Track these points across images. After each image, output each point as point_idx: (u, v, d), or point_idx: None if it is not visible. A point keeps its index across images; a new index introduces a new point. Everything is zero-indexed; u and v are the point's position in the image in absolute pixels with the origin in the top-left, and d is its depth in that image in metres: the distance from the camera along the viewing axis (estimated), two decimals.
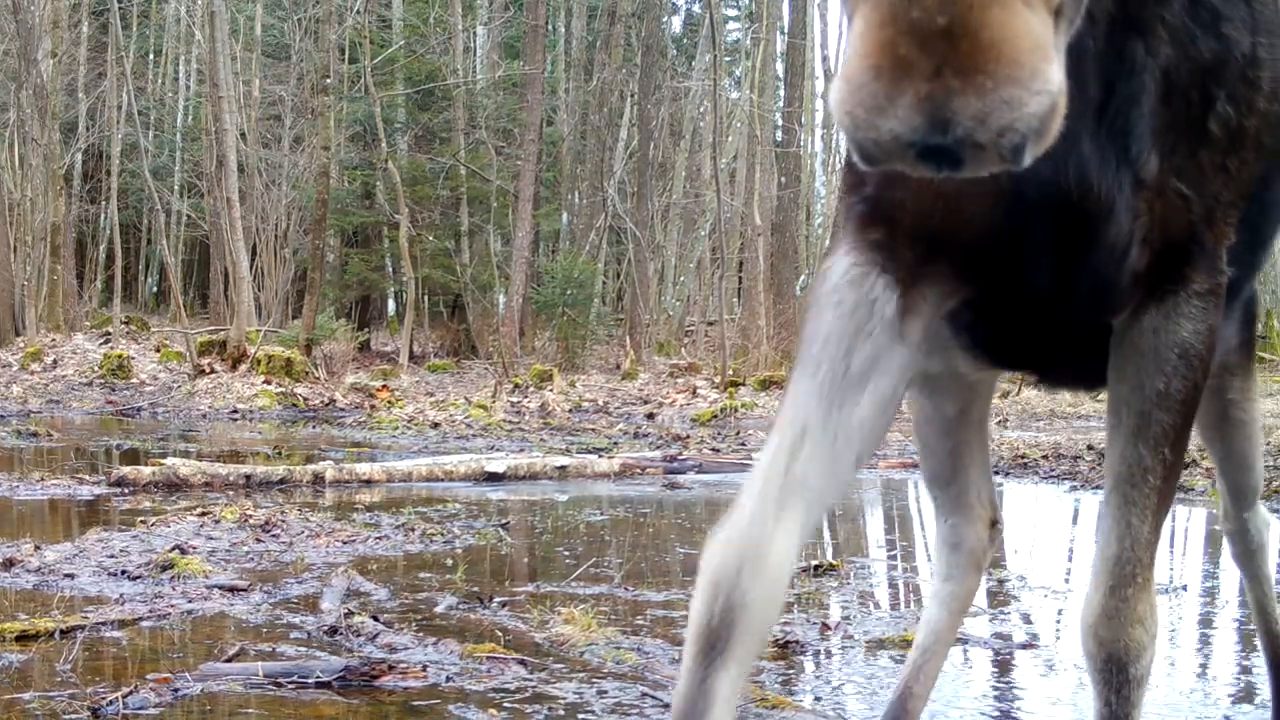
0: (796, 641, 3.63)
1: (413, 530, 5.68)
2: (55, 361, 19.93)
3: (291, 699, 2.97)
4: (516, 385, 17.76)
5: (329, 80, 23.44)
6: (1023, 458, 9.57)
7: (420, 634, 3.59)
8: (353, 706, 2.95)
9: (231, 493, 7.07)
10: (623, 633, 3.69)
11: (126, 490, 7.03)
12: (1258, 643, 2.76)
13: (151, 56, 36.57)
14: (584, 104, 30.45)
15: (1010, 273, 1.61)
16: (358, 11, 26.11)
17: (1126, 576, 1.71)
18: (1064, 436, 11.65)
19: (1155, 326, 1.67)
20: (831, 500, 1.61)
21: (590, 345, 25.52)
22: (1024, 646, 3.75)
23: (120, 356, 19.14)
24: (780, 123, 32.31)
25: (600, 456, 9.13)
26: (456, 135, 27.43)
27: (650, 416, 15.80)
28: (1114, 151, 1.53)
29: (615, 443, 11.36)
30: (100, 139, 31.07)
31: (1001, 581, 4.80)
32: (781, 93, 32.46)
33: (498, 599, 4.17)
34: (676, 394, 17.88)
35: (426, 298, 28.57)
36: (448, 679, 3.14)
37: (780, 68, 32.76)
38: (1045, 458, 9.55)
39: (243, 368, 17.50)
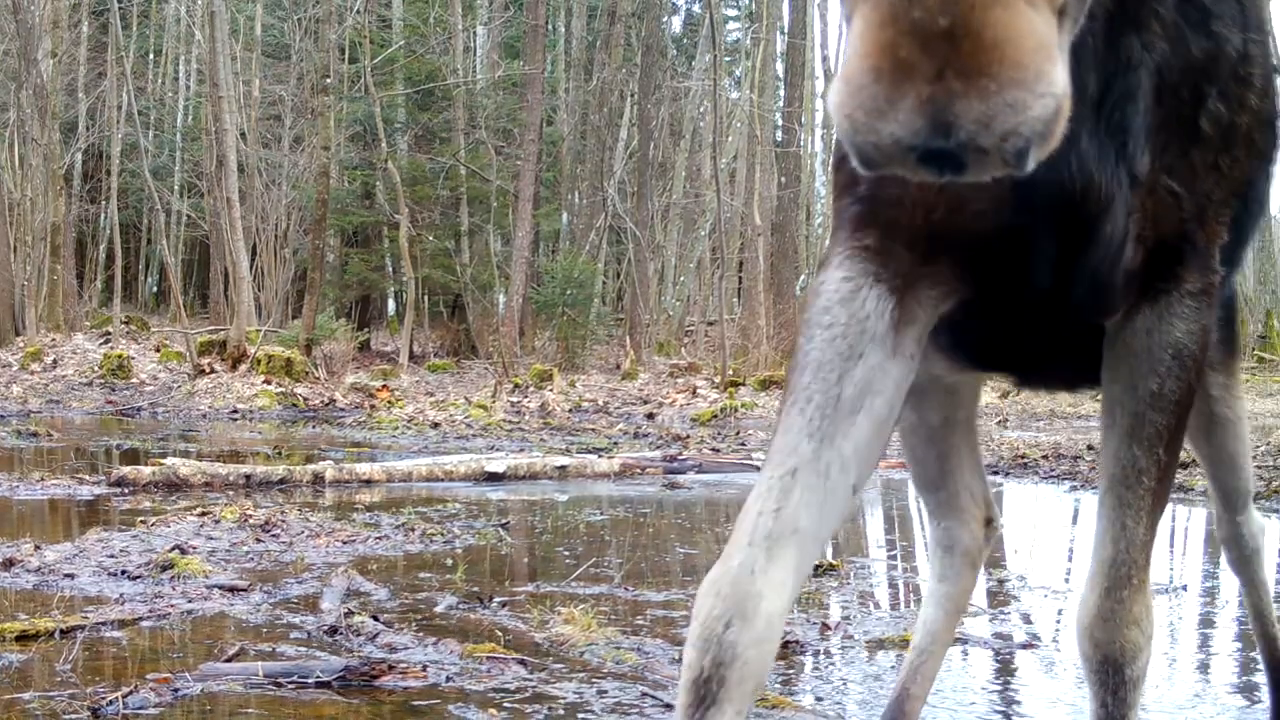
0: (796, 641, 3.63)
1: (413, 530, 5.68)
2: (55, 361, 19.93)
3: (291, 699, 2.97)
4: (516, 385, 17.76)
5: (329, 80, 23.44)
6: (1023, 458, 9.57)
7: (420, 634, 3.59)
8: (353, 706, 2.95)
9: (231, 493, 7.07)
10: (623, 633, 3.69)
11: (126, 490, 7.03)
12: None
13: (151, 56, 36.58)
14: (584, 104, 30.46)
15: (1012, 273, 1.59)
16: (358, 11, 26.11)
17: (1122, 578, 1.71)
18: (1064, 436, 11.66)
19: (1148, 327, 1.66)
20: (829, 533, 1.60)
21: (590, 345, 25.52)
22: (1024, 646, 3.75)
23: (120, 356, 19.14)
24: (780, 123, 32.31)
25: (600, 456, 9.13)
26: (456, 135, 27.43)
27: (650, 416, 15.80)
28: (1113, 148, 1.52)
29: (615, 443, 11.36)
30: (100, 139, 31.08)
31: (1001, 581, 4.80)
32: (781, 93, 32.47)
33: (498, 599, 4.17)
34: (676, 394, 17.88)
35: (426, 298, 28.58)
36: (448, 679, 3.14)
37: (780, 68, 32.77)
38: (1045, 458, 9.55)
39: (243, 368, 17.50)
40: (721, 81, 26.91)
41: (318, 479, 7.59)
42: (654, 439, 11.97)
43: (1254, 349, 25.52)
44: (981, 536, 2.38)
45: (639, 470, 8.69)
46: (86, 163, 32.75)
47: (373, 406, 16.05)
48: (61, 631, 3.52)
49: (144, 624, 3.76)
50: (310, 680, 3.08)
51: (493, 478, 8.09)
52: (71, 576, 4.41)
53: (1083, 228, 1.54)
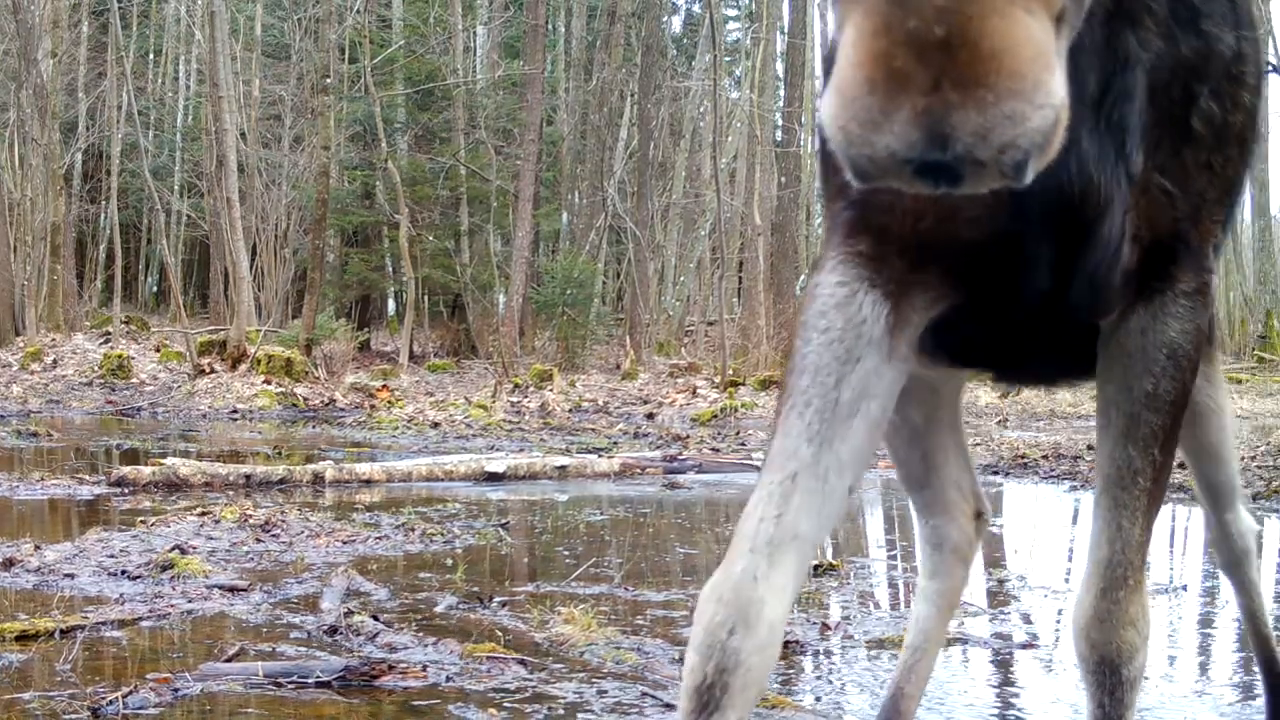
0: (796, 641, 3.63)
1: (413, 530, 5.68)
2: (55, 361, 19.94)
3: (291, 699, 2.98)
4: (516, 385, 17.77)
5: (329, 80, 23.44)
6: (1023, 458, 9.57)
7: (420, 634, 3.59)
8: (353, 706, 2.95)
9: (231, 493, 7.07)
10: (623, 633, 3.69)
11: (126, 490, 7.03)
12: None
13: (151, 56, 36.59)
14: (584, 104, 30.46)
15: (1007, 278, 1.58)
16: (358, 11, 26.11)
17: (1118, 579, 1.70)
18: (1064, 436, 11.66)
19: (1143, 327, 1.66)
20: (826, 535, 1.62)
21: (590, 345, 25.52)
22: (1024, 646, 3.75)
23: (120, 356, 19.14)
24: (780, 123, 32.30)
25: (600, 456, 9.13)
26: (456, 135, 27.43)
27: (650, 416, 15.80)
28: (1112, 147, 1.51)
29: (615, 443, 11.36)
30: (100, 139, 31.08)
31: (1001, 581, 4.80)
32: (781, 93, 32.45)
33: (498, 599, 4.18)
34: (676, 394, 17.88)
35: (426, 298, 28.58)
36: (448, 679, 3.14)
37: (780, 68, 32.77)
38: (1045, 458, 9.55)
39: (243, 368, 17.50)
40: (721, 81, 26.92)
41: (318, 479, 7.60)
42: (654, 439, 11.97)
43: (1254, 349, 25.49)
44: (971, 531, 2.38)
45: (639, 470, 8.69)
46: (86, 163, 32.75)
47: (373, 406, 16.05)
48: (61, 631, 3.52)
49: (144, 624, 3.76)
50: (310, 680, 3.08)
51: (493, 478, 8.09)
52: (71, 576, 4.42)
53: (1081, 231, 1.53)
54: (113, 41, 25.92)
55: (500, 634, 3.67)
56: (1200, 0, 1.58)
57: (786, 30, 30.74)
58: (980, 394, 17.17)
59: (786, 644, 3.59)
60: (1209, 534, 2.59)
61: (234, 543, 5.20)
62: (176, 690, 2.97)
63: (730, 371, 19.45)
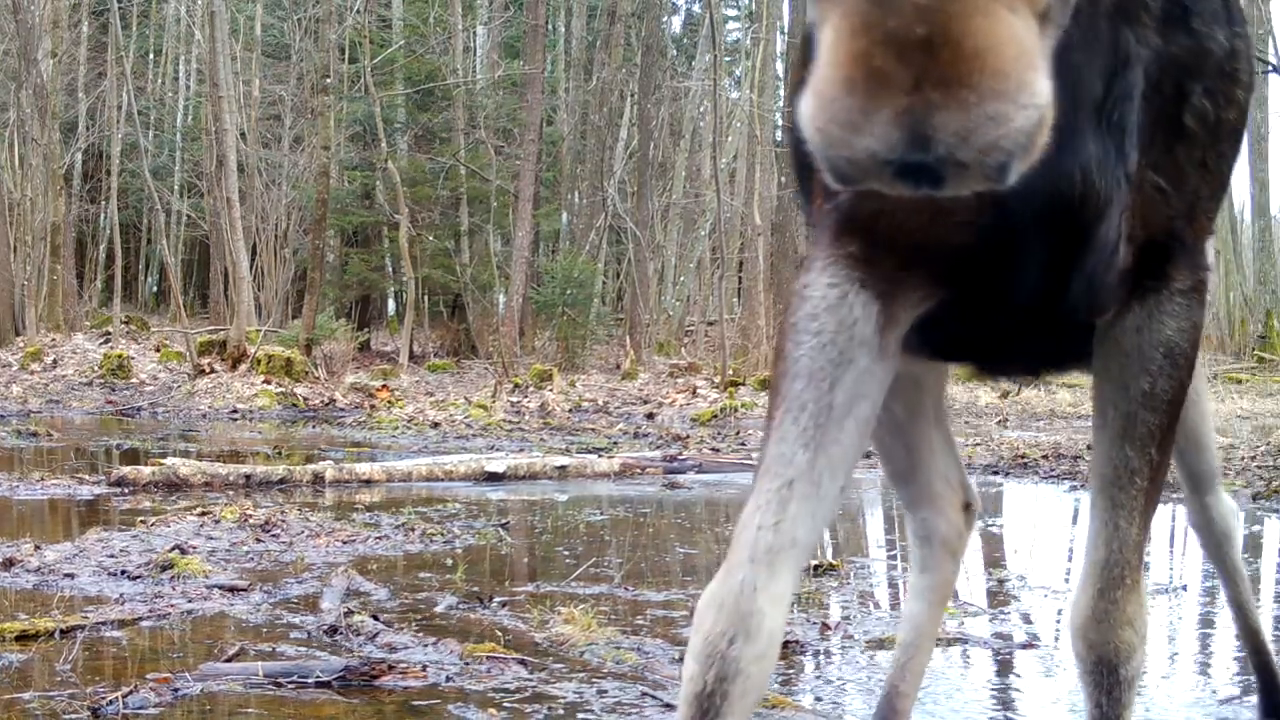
0: (796, 641, 3.63)
1: (413, 530, 5.69)
2: (55, 361, 19.94)
3: (291, 699, 2.98)
4: (516, 385, 17.77)
5: (329, 80, 23.44)
6: (1023, 458, 9.57)
7: (420, 634, 3.59)
8: (353, 706, 2.95)
9: (231, 493, 7.07)
10: (623, 633, 3.69)
11: (126, 490, 7.03)
12: None
13: (151, 56, 36.58)
14: (584, 104, 30.46)
15: (999, 275, 1.57)
16: (358, 11, 26.12)
17: (1115, 579, 1.70)
18: (1064, 436, 11.66)
19: (1139, 325, 1.65)
20: (818, 537, 1.63)
21: (590, 345, 25.52)
22: (1024, 646, 3.75)
23: (120, 356, 19.14)
24: (780, 123, 32.28)
25: (600, 456, 9.13)
26: (456, 135, 27.43)
27: (650, 416, 15.80)
28: (1113, 148, 1.50)
29: (615, 443, 11.36)
30: (100, 139, 31.08)
31: (1001, 581, 4.80)
32: (781, 93, 32.44)
33: (498, 599, 4.18)
34: (676, 394, 17.88)
35: (426, 298, 28.57)
36: (448, 679, 3.15)
37: (780, 68, 32.75)
38: (1045, 458, 9.55)
39: (242, 368, 17.50)
40: (721, 81, 26.93)
41: (318, 479, 7.60)
42: (654, 439, 11.97)
43: (1254, 349, 25.48)
44: (960, 523, 2.37)
45: (639, 470, 8.69)
46: (86, 163, 32.76)
47: (373, 406, 16.05)
48: (61, 631, 3.53)
49: (144, 624, 3.76)
50: (310, 680, 3.08)
51: (493, 478, 8.09)
52: (71, 576, 4.42)
53: (1080, 233, 1.52)
54: (113, 41, 25.92)
55: (500, 634, 3.67)
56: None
57: (786, 30, 30.71)
58: (980, 394, 17.17)
59: (786, 644, 3.59)
60: (1190, 519, 2.60)
61: (234, 543, 5.21)
62: (176, 690, 2.97)
63: (730, 371, 19.45)
